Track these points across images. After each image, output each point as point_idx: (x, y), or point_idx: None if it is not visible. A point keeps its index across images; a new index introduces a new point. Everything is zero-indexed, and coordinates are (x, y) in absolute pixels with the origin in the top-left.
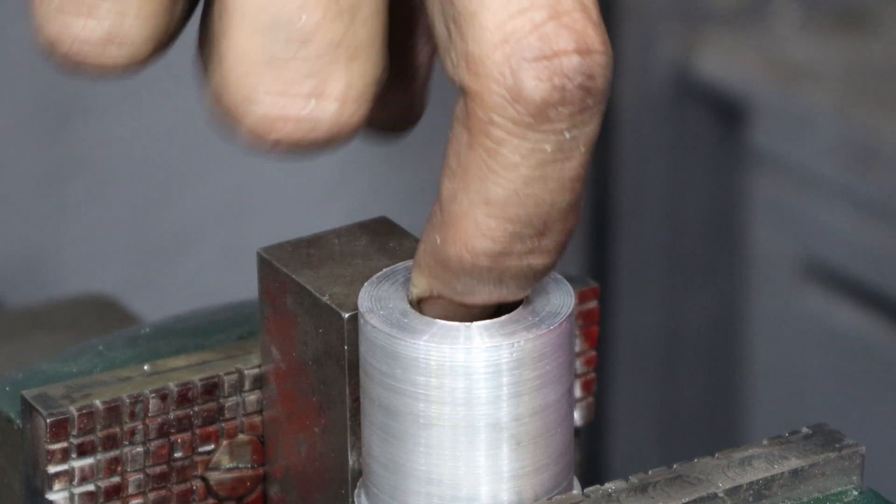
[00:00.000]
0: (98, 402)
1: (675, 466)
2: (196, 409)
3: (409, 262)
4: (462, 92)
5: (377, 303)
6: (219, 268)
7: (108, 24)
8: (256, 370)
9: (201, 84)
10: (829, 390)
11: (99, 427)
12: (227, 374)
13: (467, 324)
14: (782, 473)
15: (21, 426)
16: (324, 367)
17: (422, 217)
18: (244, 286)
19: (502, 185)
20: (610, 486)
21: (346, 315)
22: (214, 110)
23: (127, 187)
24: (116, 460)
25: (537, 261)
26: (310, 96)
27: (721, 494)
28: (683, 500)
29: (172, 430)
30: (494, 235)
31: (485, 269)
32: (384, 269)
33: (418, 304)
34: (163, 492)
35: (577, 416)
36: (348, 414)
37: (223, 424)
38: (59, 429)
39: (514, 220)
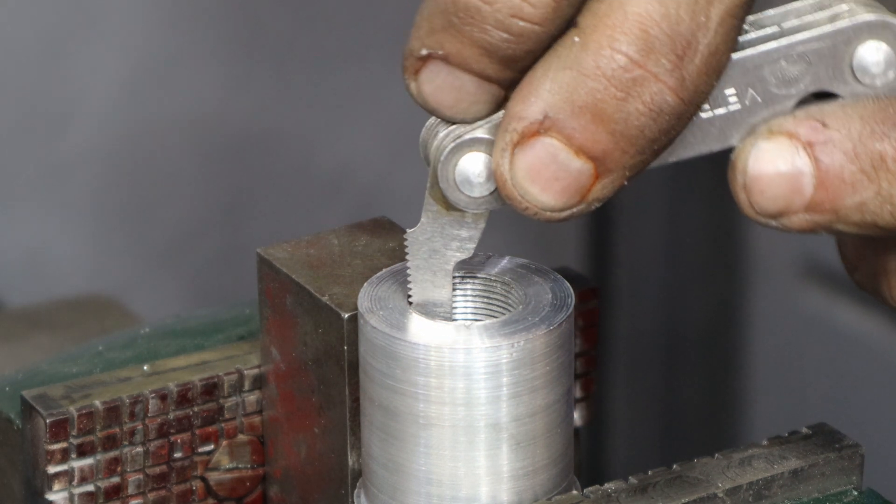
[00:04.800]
0: (98, 403)
1: (675, 466)
2: (196, 409)
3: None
4: None
5: (377, 303)
6: (219, 268)
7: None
8: (256, 370)
9: None
10: (829, 390)
11: (99, 427)
12: (227, 374)
13: (467, 324)
14: (782, 473)
15: (21, 426)
16: (324, 367)
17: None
18: (244, 286)
19: None
20: (610, 486)
21: (346, 315)
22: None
23: (127, 187)
24: (116, 460)
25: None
26: None
27: (721, 494)
28: (683, 501)
29: (172, 431)
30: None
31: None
32: (384, 269)
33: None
34: (162, 492)
35: (577, 416)
36: (348, 414)
37: (223, 425)
38: (59, 429)
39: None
